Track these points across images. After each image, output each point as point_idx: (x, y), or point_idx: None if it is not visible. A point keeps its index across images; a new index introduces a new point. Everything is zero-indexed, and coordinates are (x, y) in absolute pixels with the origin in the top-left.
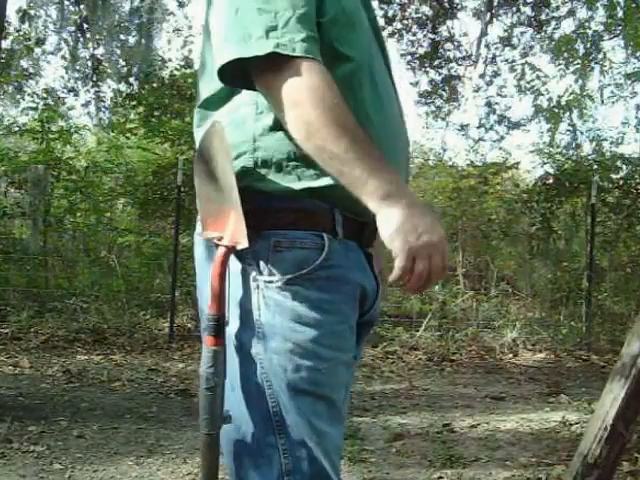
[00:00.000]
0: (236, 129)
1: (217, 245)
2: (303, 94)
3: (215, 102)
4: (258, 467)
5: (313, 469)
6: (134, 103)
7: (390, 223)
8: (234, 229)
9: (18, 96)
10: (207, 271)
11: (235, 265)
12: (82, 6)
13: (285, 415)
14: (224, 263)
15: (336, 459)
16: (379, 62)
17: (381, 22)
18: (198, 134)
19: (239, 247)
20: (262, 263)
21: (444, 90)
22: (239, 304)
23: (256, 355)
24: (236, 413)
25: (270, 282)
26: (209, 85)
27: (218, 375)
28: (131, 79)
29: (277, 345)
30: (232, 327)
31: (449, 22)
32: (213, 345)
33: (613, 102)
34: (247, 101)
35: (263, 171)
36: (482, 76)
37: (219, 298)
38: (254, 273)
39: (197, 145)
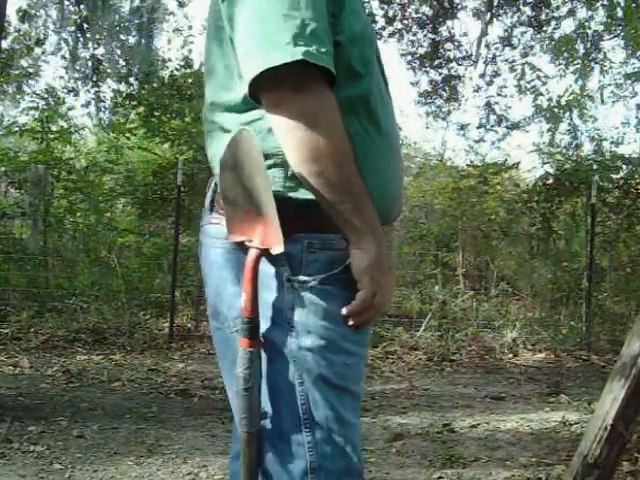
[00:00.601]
0: (264, 140)
1: (247, 248)
2: (319, 117)
3: (233, 109)
4: (284, 464)
5: (341, 464)
6: (134, 103)
7: (364, 259)
8: (266, 233)
9: (18, 96)
10: (227, 274)
11: (265, 267)
12: (82, 6)
13: (314, 411)
14: (256, 266)
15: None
16: (380, 75)
17: (381, 22)
18: (214, 141)
19: (275, 251)
20: (296, 264)
21: (444, 90)
22: (271, 305)
23: (289, 353)
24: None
25: (305, 282)
26: (223, 92)
27: (254, 376)
28: (131, 79)
29: (311, 343)
30: (262, 327)
31: (449, 22)
32: (249, 347)
33: (613, 102)
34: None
35: (294, 183)
36: (482, 76)
37: (253, 301)
38: (287, 274)
39: (220, 151)
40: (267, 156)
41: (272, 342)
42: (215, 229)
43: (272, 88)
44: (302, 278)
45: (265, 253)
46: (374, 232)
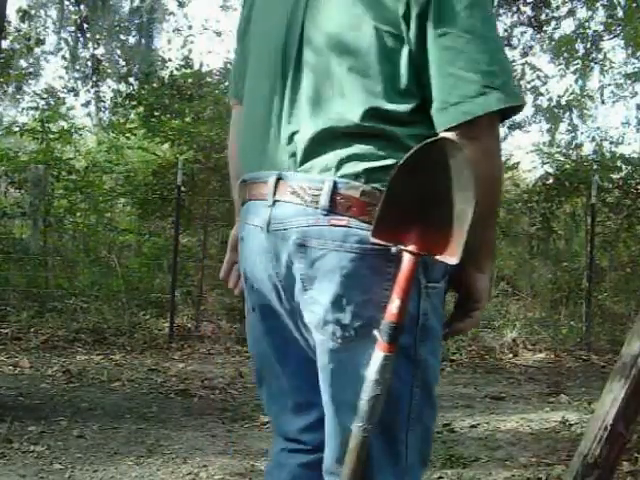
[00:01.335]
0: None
1: (385, 254)
2: (499, 150)
3: (392, 118)
4: (389, 464)
5: (427, 458)
6: (134, 103)
7: (486, 283)
8: (448, 243)
9: (18, 96)
10: (355, 281)
11: (396, 269)
12: (82, 6)
13: (421, 413)
14: (414, 273)
15: None
16: None
17: None
18: (326, 149)
19: (452, 262)
20: (429, 270)
21: None
22: (418, 313)
23: (414, 357)
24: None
25: (434, 288)
26: (372, 98)
27: (386, 381)
28: (131, 79)
29: (433, 347)
30: (413, 334)
31: None
32: (388, 351)
33: (613, 102)
34: (403, 130)
35: None
36: None
37: (404, 306)
38: (424, 281)
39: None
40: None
41: (400, 347)
42: (342, 231)
43: (475, 122)
44: (433, 284)
45: (419, 260)
46: (493, 259)
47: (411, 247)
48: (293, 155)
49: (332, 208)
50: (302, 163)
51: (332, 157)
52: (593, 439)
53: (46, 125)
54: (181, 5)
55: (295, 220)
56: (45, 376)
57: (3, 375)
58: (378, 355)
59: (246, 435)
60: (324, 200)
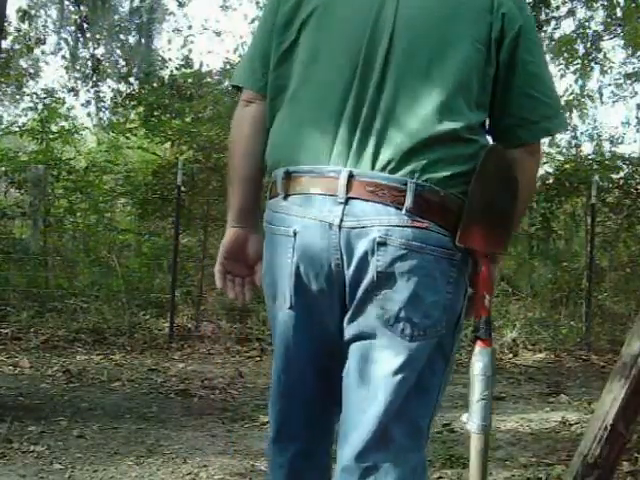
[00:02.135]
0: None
1: (454, 256)
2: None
3: (462, 113)
4: (417, 450)
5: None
6: (134, 103)
7: (496, 275)
8: (502, 242)
9: (18, 96)
10: (430, 281)
11: (455, 273)
12: (82, 6)
13: (439, 400)
14: (491, 271)
15: None
16: None
17: None
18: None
19: (502, 256)
20: (465, 271)
21: None
22: (453, 309)
23: (449, 354)
24: (421, 404)
25: (468, 289)
26: (452, 92)
27: (494, 374)
28: (131, 79)
29: (458, 345)
30: (452, 333)
31: None
32: (490, 345)
33: (613, 102)
34: (471, 145)
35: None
36: None
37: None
38: (465, 281)
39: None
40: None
41: (440, 344)
42: (425, 234)
43: (537, 142)
44: (468, 284)
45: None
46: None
47: (481, 248)
48: (372, 155)
49: (415, 210)
50: (382, 163)
51: (415, 161)
52: (593, 439)
53: (46, 125)
54: (181, 5)
55: (376, 218)
56: (45, 376)
57: (3, 375)
58: (484, 351)
59: (246, 435)
60: (409, 201)
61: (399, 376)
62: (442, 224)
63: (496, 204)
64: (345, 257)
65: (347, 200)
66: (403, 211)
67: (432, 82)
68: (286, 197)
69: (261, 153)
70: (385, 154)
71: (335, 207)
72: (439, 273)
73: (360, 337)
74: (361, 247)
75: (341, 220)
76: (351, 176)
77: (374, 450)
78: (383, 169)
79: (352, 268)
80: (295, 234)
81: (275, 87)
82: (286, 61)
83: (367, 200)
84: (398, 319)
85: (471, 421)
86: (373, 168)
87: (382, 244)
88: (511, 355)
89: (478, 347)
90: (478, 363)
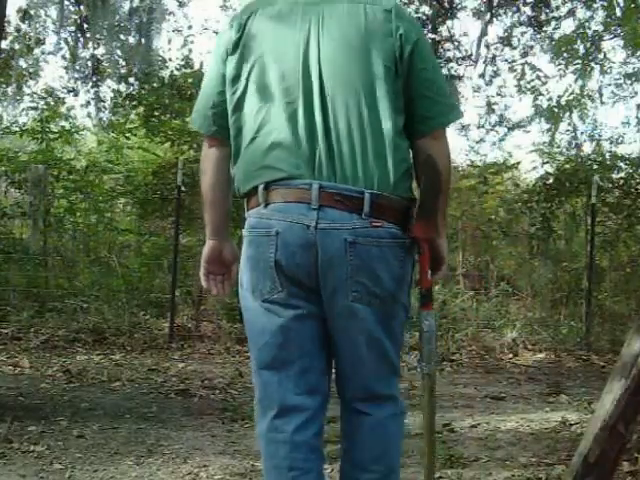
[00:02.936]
0: (409, 159)
1: (404, 243)
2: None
3: (398, 132)
4: (394, 383)
5: None
6: (134, 103)
7: (446, 247)
8: (434, 228)
9: (18, 96)
10: (384, 265)
11: (404, 254)
12: (82, 6)
13: (402, 338)
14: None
15: None
16: None
17: None
18: (392, 153)
19: (435, 239)
20: (412, 251)
21: None
22: (404, 278)
23: (406, 304)
24: (394, 346)
25: (415, 263)
26: (393, 117)
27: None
28: (131, 79)
29: (410, 297)
30: (405, 294)
31: (449, 22)
32: (431, 309)
33: (613, 102)
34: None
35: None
36: (482, 76)
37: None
38: (413, 258)
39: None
40: (409, 169)
41: (402, 302)
42: (380, 231)
43: (442, 130)
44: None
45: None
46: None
47: (422, 236)
48: (332, 169)
49: (371, 213)
50: (341, 176)
51: (367, 173)
52: (593, 439)
53: (46, 125)
54: (181, 5)
55: (344, 223)
56: (45, 376)
57: (3, 375)
58: (429, 314)
59: (246, 435)
60: (367, 208)
61: (375, 334)
62: (392, 220)
63: (431, 205)
64: (320, 251)
65: (320, 207)
66: (363, 215)
67: (362, 104)
68: (266, 206)
69: (224, 182)
70: (343, 170)
71: (310, 212)
72: (392, 257)
73: (340, 314)
74: (334, 244)
75: (317, 222)
76: (321, 188)
77: (376, 384)
78: (345, 182)
79: (327, 261)
80: (277, 234)
81: (236, 127)
82: (240, 106)
83: (335, 208)
84: (365, 296)
85: (421, 365)
86: (336, 181)
87: (352, 243)
88: (511, 355)
89: (424, 311)
90: (425, 322)
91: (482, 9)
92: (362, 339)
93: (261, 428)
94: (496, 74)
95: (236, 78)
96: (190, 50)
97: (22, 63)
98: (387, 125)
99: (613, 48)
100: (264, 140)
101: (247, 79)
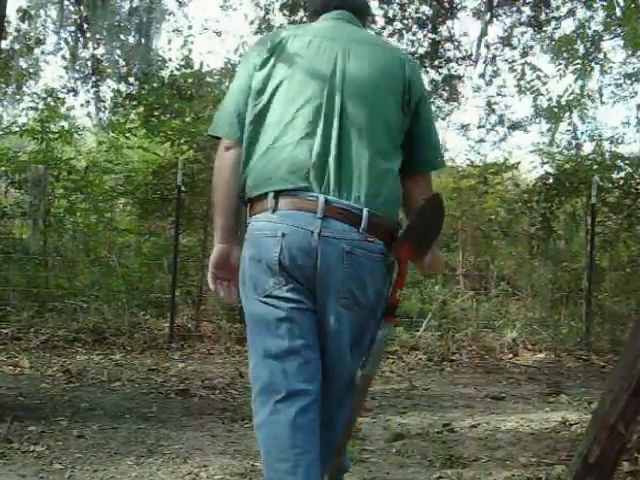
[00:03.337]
0: (399, 187)
1: (386, 260)
2: None
3: (396, 162)
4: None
5: None
6: (134, 103)
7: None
8: (422, 255)
9: (18, 96)
10: (372, 277)
11: (385, 269)
12: (82, 6)
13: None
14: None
15: None
16: None
17: (381, 22)
18: (389, 181)
19: (419, 263)
20: (392, 268)
21: (444, 90)
22: (381, 292)
23: (378, 316)
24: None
25: (392, 279)
26: (385, 136)
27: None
28: (131, 79)
29: (382, 310)
30: (381, 309)
31: (449, 22)
32: (392, 322)
33: (613, 102)
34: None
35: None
36: (482, 76)
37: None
38: (391, 274)
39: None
40: (400, 197)
41: (378, 316)
42: (373, 245)
43: (429, 172)
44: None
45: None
46: None
47: (408, 258)
48: (338, 186)
49: (367, 229)
50: (346, 193)
51: (367, 194)
52: (593, 439)
53: (46, 125)
54: (181, 5)
55: (344, 234)
56: (45, 376)
57: (3, 375)
58: (389, 326)
59: (246, 435)
60: (364, 224)
61: (348, 339)
62: (381, 238)
63: (429, 234)
64: (320, 256)
65: (324, 217)
66: (360, 230)
67: (373, 134)
68: (274, 211)
69: (238, 190)
70: (348, 187)
71: (315, 221)
72: (377, 270)
73: (327, 318)
74: (334, 252)
75: (320, 230)
76: (327, 201)
77: (347, 389)
78: (348, 199)
79: (325, 266)
80: (283, 235)
81: (252, 137)
82: (261, 117)
83: (338, 219)
84: (351, 301)
85: (365, 366)
86: (341, 197)
87: (349, 253)
88: (511, 355)
89: (387, 323)
90: (383, 330)
91: (482, 9)
92: (342, 342)
93: (262, 416)
94: (496, 74)
95: (260, 92)
96: (190, 50)
97: (22, 63)
98: (391, 158)
99: (613, 48)
100: (279, 152)
101: (271, 95)
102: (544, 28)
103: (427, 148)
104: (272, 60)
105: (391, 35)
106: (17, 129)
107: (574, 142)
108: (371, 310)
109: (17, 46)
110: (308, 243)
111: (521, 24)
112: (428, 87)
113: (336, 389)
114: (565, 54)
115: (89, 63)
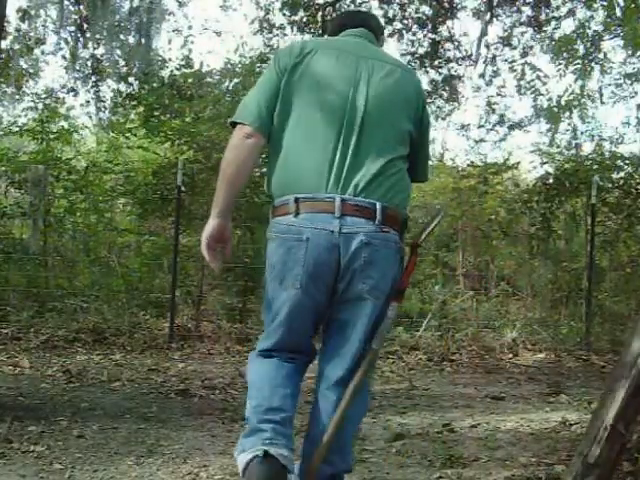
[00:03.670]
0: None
1: (400, 248)
2: None
3: (402, 162)
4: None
5: None
6: (134, 103)
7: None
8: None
9: (17, 96)
10: (390, 264)
11: (399, 257)
12: (82, 6)
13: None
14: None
15: None
16: None
17: (381, 22)
18: (402, 182)
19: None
20: (402, 255)
21: (444, 90)
22: (395, 279)
23: (389, 300)
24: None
25: (403, 265)
26: (397, 146)
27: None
28: (131, 79)
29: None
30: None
31: (449, 22)
32: (400, 303)
33: (613, 102)
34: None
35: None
36: (482, 76)
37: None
38: (402, 262)
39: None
40: (409, 195)
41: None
42: (388, 235)
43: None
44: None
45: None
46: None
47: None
48: (355, 186)
49: (382, 221)
50: (361, 191)
51: (380, 190)
52: (593, 439)
53: (46, 125)
54: (181, 5)
55: (361, 227)
56: (45, 376)
57: (3, 375)
58: (394, 305)
59: None
60: (379, 217)
61: (367, 325)
62: (395, 228)
63: (430, 230)
64: (342, 251)
65: (342, 215)
66: (376, 222)
67: (387, 142)
68: (296, 215)
69: (249, 173)
70: (362, 186)
71: (334, 220)
72: (393, 258)
73: (348, 301)
74: (353, 244)
75: (340, 228)
76: (343, 200)
77: (351, 376)
78: (362, 195)
79: (347, 257)
80: (307, 239)
81: (274, 141)
82: (284, 125)
83: (354, 215)
84: (374, 288)
85: (374, 342)
86: (355, 195)
87: (367, 243)
88: (511, 355)
89: (394, 303)
90: (391, 311)
91: (482, 9)
92: (363, 321)
93: (258, 358)
94: (496, 74)
95: (286, 94)
96: (190, 50)
97: (22, 63)
98: (401, 164)
99: (613, 48)
100: (300, 157)
101: (297, 99)
102: (544, 28)
103: (426, 162)
104: (300, 67)
105: (391, 35)
106: (17, 129)
107: (574, 142)
108: (385, 295)
109: (17, 46)
110: (331, 242)
111: (521, 24)
112: (428, 87)
113: (350, 350)
114: (565, 54)
115: (89, 63)
